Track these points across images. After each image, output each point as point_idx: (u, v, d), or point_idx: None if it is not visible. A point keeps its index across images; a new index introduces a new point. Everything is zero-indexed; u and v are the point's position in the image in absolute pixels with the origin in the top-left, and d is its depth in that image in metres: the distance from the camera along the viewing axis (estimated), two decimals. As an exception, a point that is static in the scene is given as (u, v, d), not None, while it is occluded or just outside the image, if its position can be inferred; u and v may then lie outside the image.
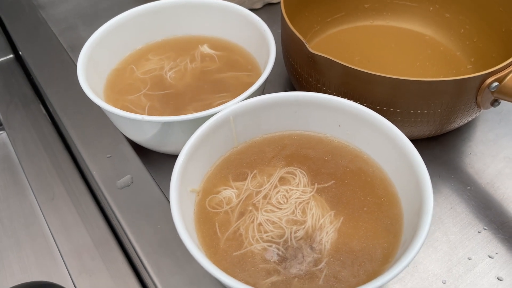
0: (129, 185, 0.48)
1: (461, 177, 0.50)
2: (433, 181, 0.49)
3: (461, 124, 0.52)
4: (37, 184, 0.58)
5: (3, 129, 0.75)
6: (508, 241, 0.44)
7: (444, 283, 0.42)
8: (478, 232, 0.45)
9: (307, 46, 0.48)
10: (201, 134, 0.42)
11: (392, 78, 0.45)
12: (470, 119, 0.52)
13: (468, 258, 0.43)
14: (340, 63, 0.46)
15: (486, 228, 0.46)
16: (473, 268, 0.43)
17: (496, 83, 0.45)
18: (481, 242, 0.45)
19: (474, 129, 0.55)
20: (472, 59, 0.61)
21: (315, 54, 0.47)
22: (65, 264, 0.51)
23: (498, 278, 0.42)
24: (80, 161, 0.54)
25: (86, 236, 0.52)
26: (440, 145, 0.53)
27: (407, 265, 0.32)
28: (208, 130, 0.42)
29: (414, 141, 0.52)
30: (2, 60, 0.76)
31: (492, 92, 0.46)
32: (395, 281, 0.42)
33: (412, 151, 0.39)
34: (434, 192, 0.48)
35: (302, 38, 0.48)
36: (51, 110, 0.63)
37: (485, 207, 0.47)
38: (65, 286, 0.50)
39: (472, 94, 0.46)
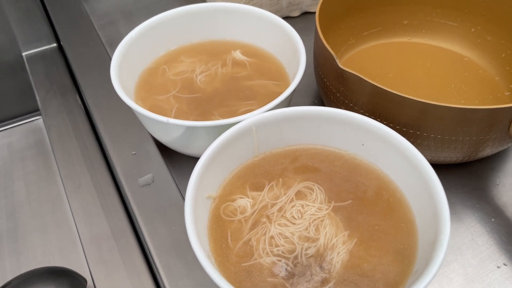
0: (149, 184, 0.49)
1: (486, 208, 0.48)
2: (456, 209, 0.48)
3: (491, 153, 0.50)
4: (65, 171, 0.60)
5: (40, 115, 0.78)
6: (528, 280, 0.43)
7: (456, 317, 0.41)
8: (498, 267, 0.44)
9: (337, 61, 0.47)
10: (222, 141, 0.42)
11: (421, 101, 0.44)
12: (501, 149, 0.50)
13: (484, 294, 0.42)
14: (369, 82, 0.46)
15: (506, 264, 0.44)
16: (488, 304, 0.41)
17: (530, 115, 0.43)
18: (499, 277, 0.43)
19: (505, 159, 0.53)
20: (511, 86, 0.59)
21: (344, 70, 0.47)
22: (84, 252, 0.53)
23: (514, 318, 0.41)
24: (107, 155, 0.55)
25: (106, 227, 0.53)
26: (467, 173, 0.52)
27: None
28: (229, 138, 0.43)
29: (441, 166, 0.51)
30: (46, 49, 0.80)
31: (526, 124, 0.45)
32: (405, 309, 0.42)
33: (433, 179, 0.38)
34: (455, 221, 0.47)
35: (333, 53, 0.48)
36: (85, 101, 0.65)
37: (507, 242, 0.46)
38: (81, 274, 0.52)
39: (504, 124, 0.45)
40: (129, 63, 0.53)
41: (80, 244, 0.54)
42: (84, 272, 0.52)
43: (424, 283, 0.32)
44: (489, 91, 0.59)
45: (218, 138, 0.42)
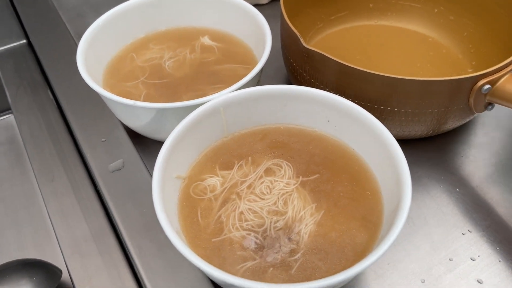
0: (120, 169, 0.49)
1: (451, 179, 0.50)
2: (422, 181, 0.49)
3: (455, 126, 0.52)
4: (38, 165, 0.60)
5: (11, 112, 0.77)
6: (491, 244, 0.44)
7: (422, 282, 0.42)
8: (463, 234, 0.45)
9: (302, 41, 0.48)
10: (189, 122, 0.42)
11: (384, 76, 0.45)
12: (464, 122, 0.52)
13: (449, 259, 0.43)
14: (333, 59, 0.46)
15: (470, 230, 0.45)
16: (453, 269, 0.43)
17: (488, 86, 0.45)
18: (465, 244, 0.45)
19: (469, 132, 0.55)
20: (474, 63, 0.60)
21: (309, 49, 0.48)
22: (59, 243, 0.52)
23: (478, 281, 0.42)
24: (78, 144, 0.55)
25: (81, 218, 0.53)
26: (433, 146, 0.53)
27: (375, 261, 0.32)
28: (197, 118, 0.43)
29: (408, 141, 0.52)
30: (15, 45, 0.79)
31: (485, 95, 0.46)
32: (374, 278, 0.43)
33: (396, 149, 0.39)
34: (422, 193, 0.48)
35: (297, 33, 0.49)
36: (55, 94, 0.64)
37: (472, 210, 0.47)
38: (57, 266, 0.52)
39: (464, 95, 0.46)
40: (96, 51, 0.53)
41: (54, 236, 0.53)
42: (59, 264, 0.52)
43: (386, 246, 0.33)
44: (453, 69, 0.61)
45: (184, 119, 0.42)
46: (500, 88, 0.45)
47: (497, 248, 0.44)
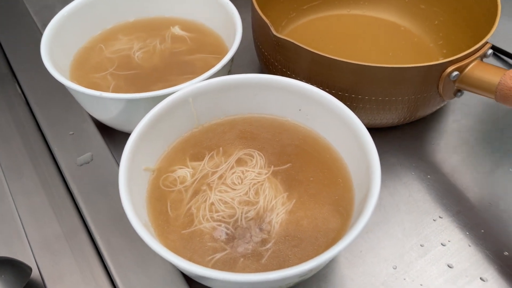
0: (88, 162, 0.48)
1: (422, 166, 0.50)
2: (394, 169, 0.50)
3: (426, 113, 0.52)
4: (6, 162, 0.58)
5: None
6: (461, 229, 0.45)
7: (394, 268, 0.42)
8: (434, 220, 0.46)
9: (272, 29, 0.48)
10: (157, 112, 0.41)
11: (354, 63, 0.45)
12: (435, 109, 0.52)
13: (420, 245, 0.44)
14: (304, 48, 0.46)
15: (441, 216, 0.46)
16: (424, 254, 0.43)
17: (456, 72, 0.45)
18: (436, 230, 0.45)
19: (440, 119, 0.55)
20: (445, 51, 0.61)
21: (279, 37, 0.47)
22: (28, 241, 0.51)
23: (448, 265, 0.42)
24: (45, 138, 0.54)
25: (51, 214, 0.52)
26: (405, 134, 0.53)
27: (344, 247, 0.32)
28: (165, 109, 0.42)
29: (381, 129, 0.53)
30: (-20, 39, 0.76)
31: (454, 82, 0.46)
32: (347, 266, 0.43)
33: (365, 136, 0.39)
34: (394, 180, 0.48)
35: (267, 21, 0.48)
36: (22, 88, 0.62)
37: (442, 196, 0.47)
38: (26, 263, 0.50)
39: (433, 82, 0.46)
40: (62, 42, 0.52)
41: (24, 234, 0.52)
42: (30, 261, 0.51)
43: (355, 232, 0.33)
44: (424, 57, 0.61)
45: (152, 109, 0.41)
46: (468, 74, 0.45)
47: (467, 233, 0.45)
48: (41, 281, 0.47)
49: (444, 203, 0.47)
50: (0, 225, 0.60)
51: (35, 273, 0.49)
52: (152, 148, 0.42)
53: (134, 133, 0.40)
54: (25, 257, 0.51)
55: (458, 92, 0.49)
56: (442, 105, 0.52)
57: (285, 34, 0.65)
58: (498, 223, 0.45)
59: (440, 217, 0.46)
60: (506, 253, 0.43)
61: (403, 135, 0.53)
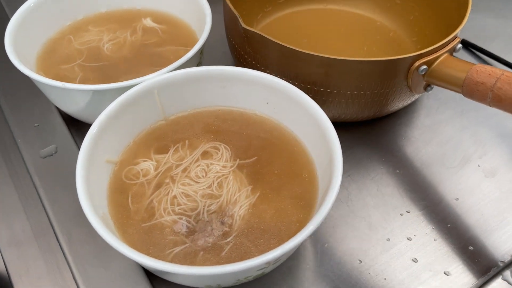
0: (52, 155, 0.47)
1: (391, 161, 0.50)
2: (363, 163, 0.50)
3: (397, 108, 0.52)
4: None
5: None
6: (428, 224, 0.45)
7: (359, 263, 0.42)
8: (401, 214, 0.46)
9: (241, 21, 0.47)
10: (120, 103, 0.41)
11: (321, 56, 0.44)
12: (406, 104, 0.52)
13: (387, 240, 0.44)
14: (272, 40, 0.46)
15: (409, 211, 0.46)
16: (390, 249, 0.43)
17: (424, 67, 0.45)
18: (402, 224, 0.45)
19: (411, 114, 0.55)
20: (419, 46, 0.61)
21: (248, 29, 0.47)
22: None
23: (413, 260, 0.42)
24: (10, 128, 0.52)
25: (19, 207, 0.51)
26: (376, 129, 0.53)
27: (303, 238, 0.32)
28: (128, 100, 0.41)
29: (352, 124, 0.52)
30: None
31: (423, 76, 0.46)
32: (312, 259, 0.42)
33: (329, 128, 0.39)
34: (362, 175, 0.48)
35: (236, 13, 0.48)
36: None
37: (411, 191, 0.47)
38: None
39: (402, 76, 0.46)
40: (28, 32, 0.51)
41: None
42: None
43: (314, 224, 0.32)
44: (399, 52, 0.60)
45: (116, 99, 0.41)
46: (436, 69, 0.45)
47: (433, 227, 0.45)
48: (6, 274, 0.46)
49: (412, 198, 0.47)
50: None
51: (0, 267, 0.48)
52: (115, 140, 0.41)
53: (95, 123, 0.39)
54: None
55: (428, 86, 0.48)
56: (413, 99, 0.52)
57: (260, 28, 0.64)
58: (464, 218, 0.45)
59: (407, 211, 0.46)
60: (471, 247, 0.43)
61: (374, 130, 0.53)
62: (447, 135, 0.53)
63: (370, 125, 0.53)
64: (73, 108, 0.48)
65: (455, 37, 0.47)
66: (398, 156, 0.51)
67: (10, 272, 0.45)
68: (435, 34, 0.58)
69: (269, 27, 0.64)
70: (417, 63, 0.45)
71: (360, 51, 0.61)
